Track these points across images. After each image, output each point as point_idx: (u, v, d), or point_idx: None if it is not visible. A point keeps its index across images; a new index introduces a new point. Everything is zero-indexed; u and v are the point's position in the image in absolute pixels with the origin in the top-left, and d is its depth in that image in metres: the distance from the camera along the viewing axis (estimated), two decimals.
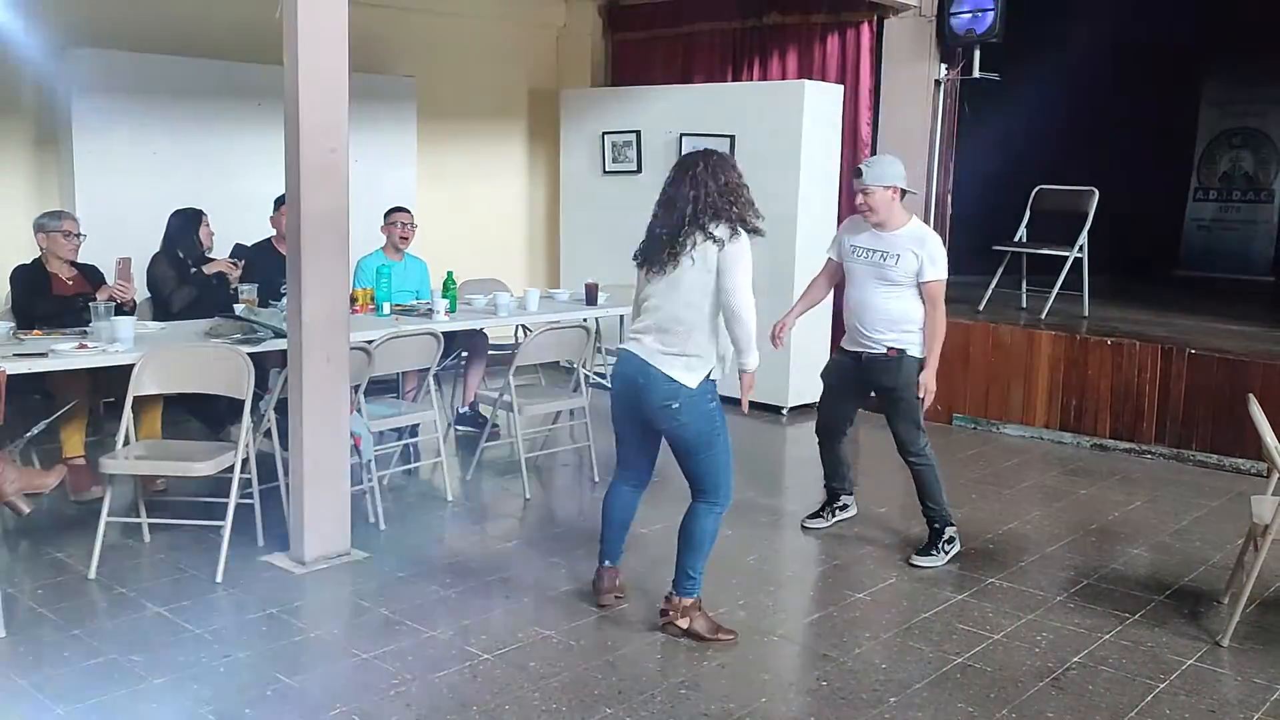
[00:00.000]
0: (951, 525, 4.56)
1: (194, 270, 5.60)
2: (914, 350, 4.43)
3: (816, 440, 4.89)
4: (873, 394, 4.64)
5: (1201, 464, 6.10)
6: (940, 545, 4.51)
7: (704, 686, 3.39)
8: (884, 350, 4.44)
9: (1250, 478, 5.79)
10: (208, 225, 5.73)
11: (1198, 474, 5.99)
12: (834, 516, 4.93)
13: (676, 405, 3.56)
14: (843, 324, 4.74)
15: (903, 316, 4.41)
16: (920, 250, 4.35)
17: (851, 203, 7.30)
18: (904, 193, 4.43)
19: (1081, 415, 6.52)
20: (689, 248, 3.51)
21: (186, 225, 5.65)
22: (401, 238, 6.15)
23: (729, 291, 3.49)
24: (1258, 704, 3.36)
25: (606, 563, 3.96)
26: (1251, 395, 3.95)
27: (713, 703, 3.28)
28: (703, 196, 3.51)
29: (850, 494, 4.98)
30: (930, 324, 4.40)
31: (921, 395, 4.39)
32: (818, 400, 4.92)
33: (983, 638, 3.79)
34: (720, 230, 3.51)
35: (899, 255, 4.37)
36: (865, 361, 4.50)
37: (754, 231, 3.56)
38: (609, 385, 3.82)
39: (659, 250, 3.57)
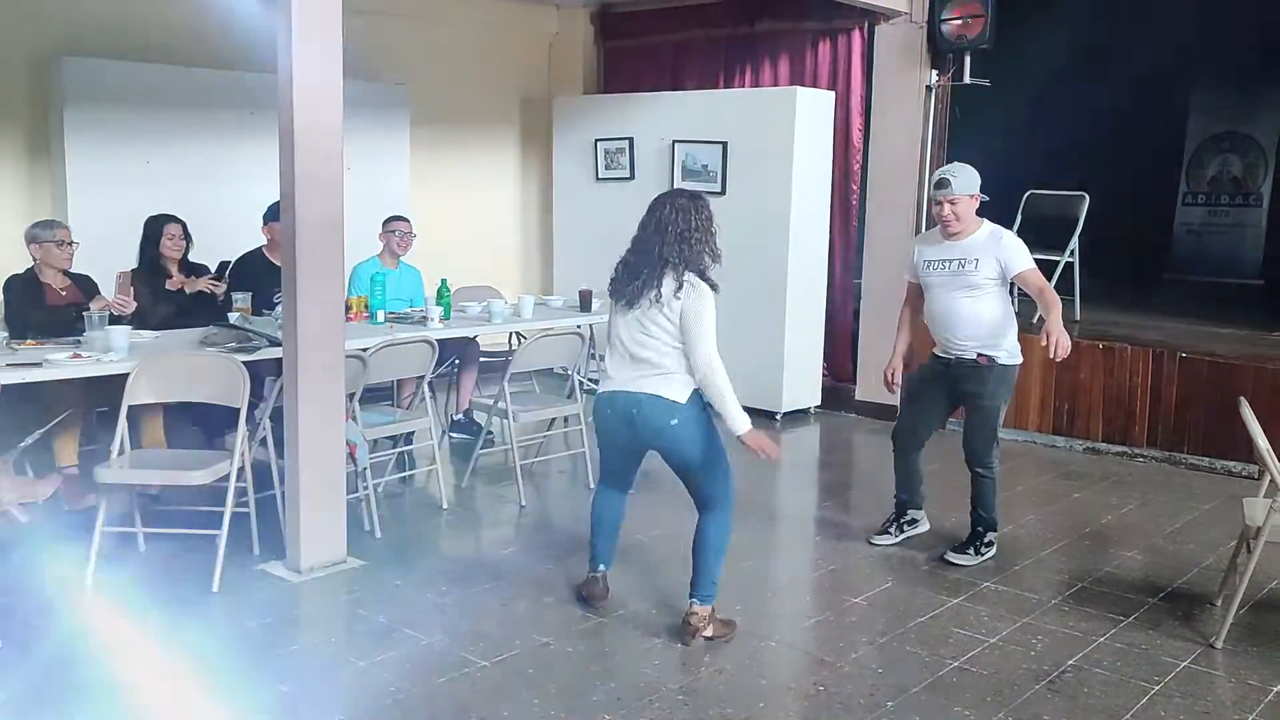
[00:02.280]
0: (994, 531, 4.60)
1: (177, 289, 5.41)
2: (1004, 359, 4.39)
3: (893, 448, 4.77)
4: (956, 400, 4.56)
5: (1194, 467, 6.13)
6: (978, 546, 4.56)
7: (701, 692, 3.40)
8: (974, 356, 4.40)
9: (1242, 480, 5.82)
10: (172, 236, 5.44)
11: (1190, 477, 6.02)
12: (902, 532, 4.79)
13: (676, 422, 3.59)
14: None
15: (989, 321, 4.35)
16: (999, 249, 4.30)
17: (846, 209, 7.42)
18: (981, 199, 4.40)
19: (1074, 419, 6.55)
20: (649, 290, 3.58)
21: (147, 236, 5.48)
22: (399, 245, 6.16)
23: (694, 349, 3.53)
24: (1252, 705, 3.38)
25: (601, 567, 3.98)
26: (1243, 398, 3.97)
27: (710, 708, 3.29)
28: (665, 242, 3.58)
29: (920, 508, 4.84)
30: (1043, 301, 4.25)
31: (1046, 343, 4.09)
32: (899, 406, 4.82)
33: (978, 641, 3.80)
34: (669, 285, 3.56)
35: (978, 260, 4.32)
36: (954, 366, 4.46)
37: (710, 285, 3.60)
38: (594, 419, 3.83)
39: (625, 284, 3.66)
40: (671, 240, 3.57)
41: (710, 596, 3.72)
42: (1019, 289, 4.48)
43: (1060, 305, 4.27)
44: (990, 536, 4.59)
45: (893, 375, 4.67)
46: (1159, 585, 4.38)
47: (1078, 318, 7.25)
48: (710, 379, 3.54)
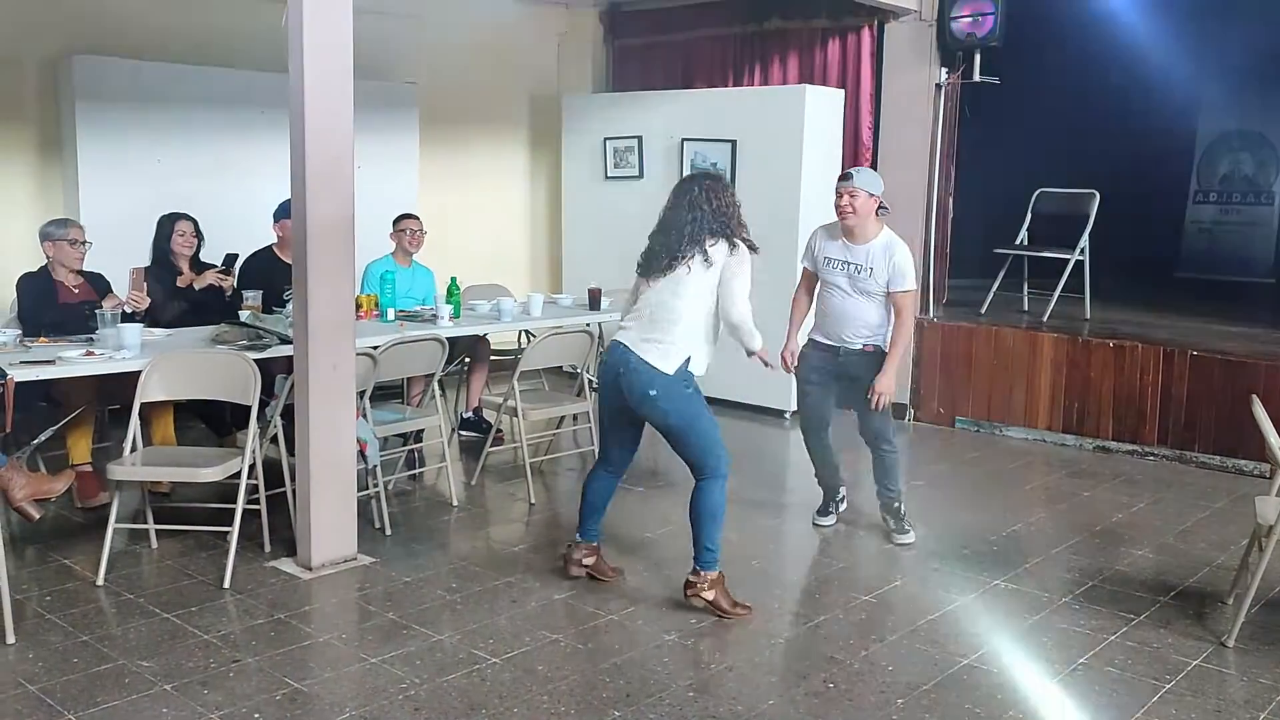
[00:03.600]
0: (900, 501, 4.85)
1: (186, 286, 5.42)
2: (885, 345, 4.64)
3: (803, 437, 4.96)
4: (844, 382, 4.80)
5: (1204, 465, 6.11)
6: (907, 520, 4.80)
7: (711, 689, 3.40)
8: (860, 345, 4.63)
9: (1253, 479, 5.80)
10: (183, 233, 5.45)
11: (1200, 475, 6.00)
12: (838, 510, 5.05)
13: (655, 393, 3.80)
14: None
15: (879, 322, 4.62)
16: (890, 261, 4.52)
17: None
18: (882, 207, 4.61)
19: (1084, 417, 6.53)
20: (686, 258, 3.80)
21: (159, 234, 5.49)
22: (410, 243, 6.18)
23: (728, 302, 3.81)
24: (1263, 704, 3.37)
25: (578, 538, 4.21)
26: (1255, 396, 3.96)
27: (721, 705, 3.29)
28: (699, 219, 3.82)
29: (842, 484, 5.09)
30: (895, 332, 4.59)
31: (870, 397, 4.54)
32: (797, 398, 5.03)
33: (988, 639, 3.80)
34: (718, 247, 3.80)
35: (872, 268, 4.55)
36: (842, 354, 4.68)
37: (751, 247, 3.87)
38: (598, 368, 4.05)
39: (658, 262, 3.88)
40: (709, 215, 3.81)
41: (708, 564, 3.89)
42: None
43: (908, 345, 4.63)
44: (901, 505, 4.80)
45: (791, 357, 4.86)
46: (1170, 584, 4.37)
47: (1088, 316, 7.23)
48: (742, 326, 3.85)
